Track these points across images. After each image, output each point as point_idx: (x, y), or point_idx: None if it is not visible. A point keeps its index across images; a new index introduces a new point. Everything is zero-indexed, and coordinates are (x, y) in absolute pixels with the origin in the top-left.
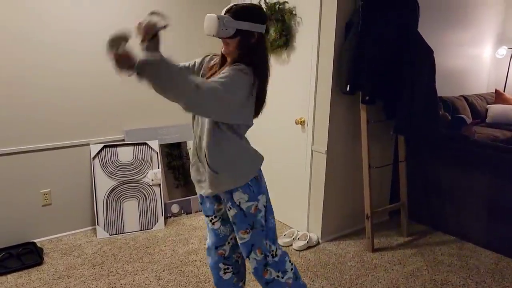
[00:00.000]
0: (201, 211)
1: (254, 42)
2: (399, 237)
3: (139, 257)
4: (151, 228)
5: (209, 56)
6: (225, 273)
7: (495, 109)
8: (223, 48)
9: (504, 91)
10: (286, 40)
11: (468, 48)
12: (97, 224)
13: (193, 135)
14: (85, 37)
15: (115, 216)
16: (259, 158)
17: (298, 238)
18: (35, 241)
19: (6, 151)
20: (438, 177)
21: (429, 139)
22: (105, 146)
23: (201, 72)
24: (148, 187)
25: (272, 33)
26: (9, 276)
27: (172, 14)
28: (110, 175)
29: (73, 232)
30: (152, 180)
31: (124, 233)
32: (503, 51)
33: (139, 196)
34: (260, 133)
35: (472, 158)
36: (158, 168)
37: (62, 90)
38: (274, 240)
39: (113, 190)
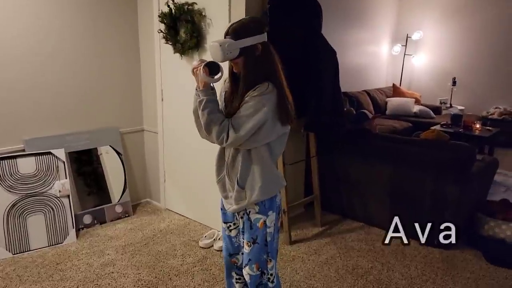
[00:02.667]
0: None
1: (260, 53)
2: (314, 228)
3: (48, 275)
4: (61, 243)
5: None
6: (236, 282)
7: (393, 102)
8: (233, 68)
9: (400, 85)
10: (197, 41)
11: (368, 46)
12: None
13: (224, 153)
14: None
15: (18, 234)
16: (281, 183)
17: (219, 239)
18: None
19: None
20: (346, 170)
21: (336, 135)
22: (1, 158)
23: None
24: (56, 199)
25: (183, 34)
26: None
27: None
28: (10, 189)
29: None
30: (60, 191)
31: (30, 250)
32: (397, 48)
33: (45, 210)
34: (178, 139)
35: (374, 150)
36: (66, 178)
37: None
38: (274, 259)
39: (14, 205)
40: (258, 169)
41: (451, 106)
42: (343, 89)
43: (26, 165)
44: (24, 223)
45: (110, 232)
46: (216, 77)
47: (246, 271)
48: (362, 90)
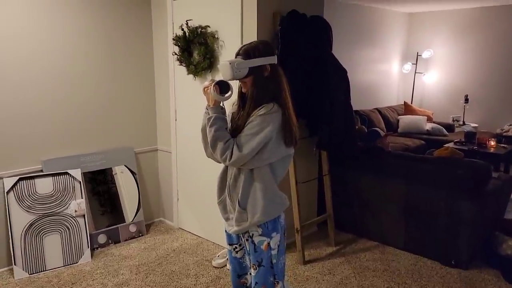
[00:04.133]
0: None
1: (268, 75)
2: (327, 247)
3: None
4: (76, 262)
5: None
6: None
7: (405, 120)
8: (242, 88)
9: (411, 103)
10: (210, 62)
11: (379, 65)
12: (14, 264)
13: (227, 173)
14: None
15: (35, 253)
16: (285, 204)
17: None
18: None
19: None
20: (359, 188)
21: (348, 153)
22: (20, 179)
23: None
24: (71, 219)
25: (196, 56)
26: None
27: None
28: (28, 209)
29: None
30: (76, 211)
31: (46, 270)
32: (408, 66)
33: (61, 229)
34: (191, 158)
35: (387, 168)
36: (82, 198)
37: None
38: (281, 281)
39: (31, 225)
40: (260, 189)
41: (464, 124)
42: (354, 107)
43: (44, 186)
44: (41, 243)
45: (124, 252)
46: (226, 95)
47: None
48: (374, 108)
